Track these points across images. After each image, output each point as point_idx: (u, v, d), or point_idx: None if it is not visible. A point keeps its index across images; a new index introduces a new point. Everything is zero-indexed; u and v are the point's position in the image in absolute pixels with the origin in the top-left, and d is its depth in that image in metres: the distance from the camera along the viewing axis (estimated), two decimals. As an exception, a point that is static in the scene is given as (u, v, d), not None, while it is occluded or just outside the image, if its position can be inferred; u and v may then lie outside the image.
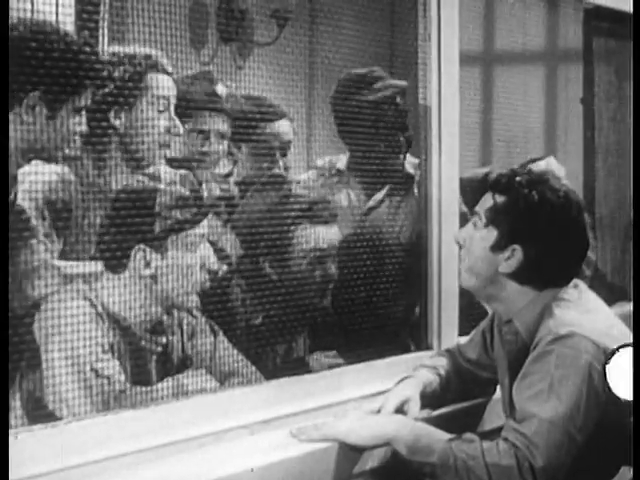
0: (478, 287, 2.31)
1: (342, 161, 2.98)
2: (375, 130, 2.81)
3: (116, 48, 2.30)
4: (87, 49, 2.09)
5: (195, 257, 2.23)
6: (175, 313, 2.32)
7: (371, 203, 2.92)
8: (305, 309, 2.49)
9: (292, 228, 2.49)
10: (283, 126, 2.89)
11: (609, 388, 2.10)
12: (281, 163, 2.81)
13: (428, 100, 2.77)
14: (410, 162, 2.95)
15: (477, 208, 2.30)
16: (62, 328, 2.00)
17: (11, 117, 1.96)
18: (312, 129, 2.81)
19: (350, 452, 2.16)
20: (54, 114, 2.07)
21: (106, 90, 2.19)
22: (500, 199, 2.25)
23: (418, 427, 2.17)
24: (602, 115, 3.84)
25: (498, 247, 2.24)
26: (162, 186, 2.20)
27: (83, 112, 2.12)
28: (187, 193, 2.23)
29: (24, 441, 1.81)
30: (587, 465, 2.15)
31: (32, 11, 2.03)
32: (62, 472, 1.84)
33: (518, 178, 2.26)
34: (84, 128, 2.14)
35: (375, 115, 2.82)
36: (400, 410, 2.32)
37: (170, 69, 2.39)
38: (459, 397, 2.51)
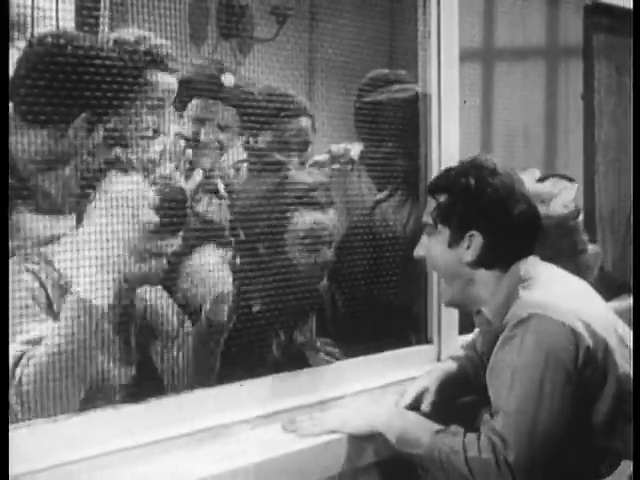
0: (457, 293, 2.29)
1: (356, 150, 2.97)
2: (391, 127, 2.82)
3: (118, 35, 2.27)
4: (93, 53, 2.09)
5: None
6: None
7: (379, 196, 2.92)
8: (302, 297, 2.49)
9: (288, 215, 2.48)
10: (303, 123, 2.88)
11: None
12: (296, 159, 2.81)
13: (428, 97, 2.78)
14: None
15: (424, 218, 2.32)
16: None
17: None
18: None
19: (351, 446, 2.17)
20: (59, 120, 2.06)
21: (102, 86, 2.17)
22: (442, 198, 2.27)
23: (408, 418, 2.20)
24: (602, 111, 3.85)
25: (455, 241, 2.25)
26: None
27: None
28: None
29: (23, 437, 1.81)
30: (577, 460, 2.16)
31: (32, 8, 2.04)
32: (62, 467, 1.84)
33: (452, 172, 2.30)
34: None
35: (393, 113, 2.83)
36: (419, 400, 2.35)
37: (174, 65, 2.36)
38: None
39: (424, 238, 2.32)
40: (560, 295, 2.20)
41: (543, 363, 2.07)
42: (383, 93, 2.84)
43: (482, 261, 2.24)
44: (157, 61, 2.30)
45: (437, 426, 2.13)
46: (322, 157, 2.92)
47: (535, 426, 2.04)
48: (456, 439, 2.07)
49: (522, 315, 2.12)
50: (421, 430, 2.13)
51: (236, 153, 2.72)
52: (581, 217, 3.18)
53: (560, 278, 2.32)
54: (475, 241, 2.23)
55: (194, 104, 2.65)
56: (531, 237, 2.30)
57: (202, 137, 2.65)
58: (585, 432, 2.14)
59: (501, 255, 2.24)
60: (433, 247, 2.29)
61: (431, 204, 2.29)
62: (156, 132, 2.35)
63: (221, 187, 2.68)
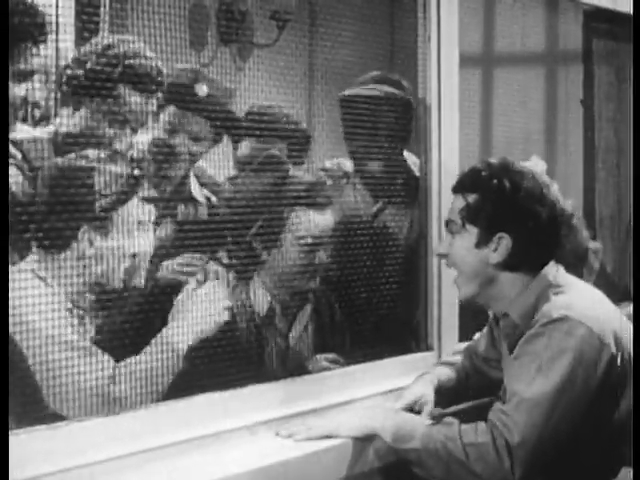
0: (477, 291, 2.29)
1: (350, 163, 2.97)
2: (378, 132, 2.81)
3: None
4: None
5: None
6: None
7: (378, 206, 2.91)
8: (297, 297, 2.49)
9: (286, 214, 2.47)
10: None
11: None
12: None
13: (428, 101, 2.77)
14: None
15: (449, 216, 2.32)
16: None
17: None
18: (312, 131, 2.81)
19: (351, 452, 2.17)
20: None
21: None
22: (471, 197, 2.26)
23: (401, 415, 2.23)
24: (602, 116, 3.85)
25: (483, 242, 2.25)
26: (96, 164, 2.14)
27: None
28: (120, 170, 2.18)
29: (24, 442, 1.80)
30: (584, 465, 2.15)
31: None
32: (63, 473, 1.83)
33: (483, 173, 2.28)
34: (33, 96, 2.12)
35: (377, 116, 2.82)
36: (413, 408, 2.35)
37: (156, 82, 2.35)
38: (480, 393, 2.50)
39: (447, 236, 2.33)
40: (590, 302, 2.24)
41: (568, 365, 2.09)
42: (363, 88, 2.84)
43: (508, 263, 2.25)
44: (134, 79, 2.28)
45: (428, 420, 2.17)
46: (316, 175, 2.92)
47: (548, 420, 2.06)
48: (452, 428, 2.09)
49: (553, 315, 2.16)
50: (414, 425, 2.15)
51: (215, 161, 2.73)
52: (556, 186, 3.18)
53: (585, 286, 2.35)
54: (503, 243, 2.23)
55: (167, 112, 2.65)
56: (554, 241, 2.32)
57: (174, 146, 2.65)
58: (598, 438, 2.16)
59: (527, 258, 2.25)
60: (458, 245, 2.28)
61: (457, 202, 2.29)
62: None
63: (199, 193, 2.68)
